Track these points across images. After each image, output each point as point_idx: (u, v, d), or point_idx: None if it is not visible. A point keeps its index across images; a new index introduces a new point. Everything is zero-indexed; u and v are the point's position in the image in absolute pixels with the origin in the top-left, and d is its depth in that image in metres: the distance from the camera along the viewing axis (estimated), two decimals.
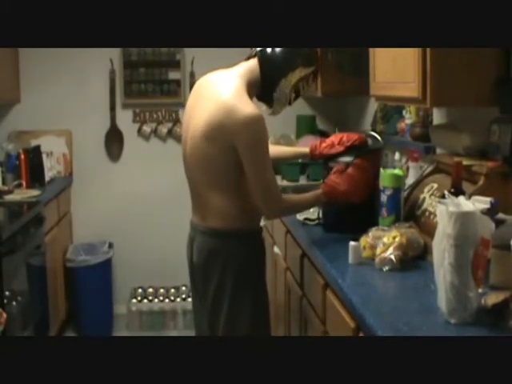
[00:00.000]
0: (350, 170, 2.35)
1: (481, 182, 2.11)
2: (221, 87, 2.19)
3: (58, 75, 4.54)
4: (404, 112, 3.17)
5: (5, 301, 2.89)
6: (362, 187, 2.35)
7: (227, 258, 2.26)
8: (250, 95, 2.21)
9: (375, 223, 2.34)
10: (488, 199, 1.85)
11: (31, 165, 4.08)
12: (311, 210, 2.62)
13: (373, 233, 2.20)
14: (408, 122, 3.09)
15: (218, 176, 2.21)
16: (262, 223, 2.48)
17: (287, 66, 2.24)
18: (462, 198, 1.63)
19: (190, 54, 4.53)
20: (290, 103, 2.35)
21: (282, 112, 2.44)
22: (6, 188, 3.88)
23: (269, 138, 2.21)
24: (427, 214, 2.30)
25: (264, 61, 2.24)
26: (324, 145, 2.54)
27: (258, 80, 2.25)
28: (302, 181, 3.94)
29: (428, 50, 2.08)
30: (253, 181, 2.16)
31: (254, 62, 2.27)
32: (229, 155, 2.15)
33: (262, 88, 2.26)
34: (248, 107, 2.11)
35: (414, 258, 2.10)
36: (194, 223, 2.36)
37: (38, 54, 4.39)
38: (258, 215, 2.34)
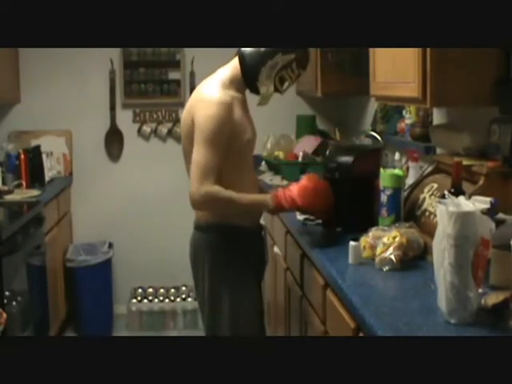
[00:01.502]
0: (303, 181, 2.29)
1: (481, 182, 2.11)
2: (204, 82, 2.30)
3: (58, 75, 4.54)
4: (404, 112, 3.17)
5: (5, 301, 2.89)
6: (316, 198, 2.25)
7: (205, 253, 2.28)
8: (233, 87, 2.25)
9: (375, 223, 2.35)
10: (488, 199, 1.85)
11: (31, 165, 4.08)
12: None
13: (373, 233, 2.20)
14: (408, 121, 3.10)
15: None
16: (261, 221, 2.46)
17: (264, 54, 2.25)
18: (462, 198, 1.63)
19: (190, 54, 4.53)
20: (279, 91, 2.33)
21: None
22: (5, 188, 3.88)
23: (227, 129, 2.16)
24: (427, 213, 2.30)
25: (242, 53, 2.27)
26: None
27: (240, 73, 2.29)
28: None
29: (428, 49, 2.09)
30: (192, 158, 2.16)
31: (236, 58, 2.31)
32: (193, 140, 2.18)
33: (244, 80, 2.29)
34: (213, 91, 2.20)
35: (414, 258, 2.10)
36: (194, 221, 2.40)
37: (38, 54, 4.39)
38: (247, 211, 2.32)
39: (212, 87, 2.22)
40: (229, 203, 2.18)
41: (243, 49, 2.27)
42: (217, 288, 2.27)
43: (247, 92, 2.36)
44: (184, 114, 2.29)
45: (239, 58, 2.28)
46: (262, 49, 2.24)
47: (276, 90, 2.31)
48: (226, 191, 2.15)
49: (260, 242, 2.42)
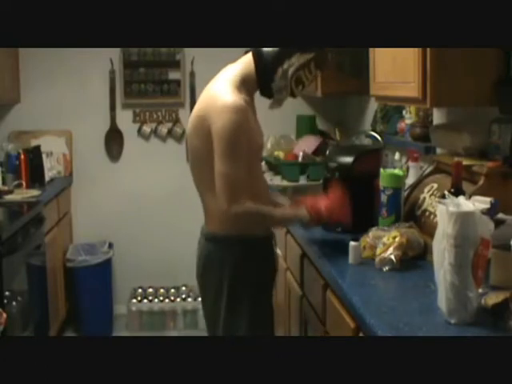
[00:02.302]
0: (329, 192, 2.29)
1: (481, 182, 2.11)
2: (213, 82, 2.21)
3: (58, 75, 4.54)
4: (404, 112, 3.17)
5: (5, 301, 2.89)
6: (344, 206, 2.23)
7: (223, 266, 2.19)
8: (244, 89, 2.16)
9: (375, 223, 2.34)
10: (488, 199, 1.85)
11: (31, 165, 4.08)
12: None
13: (373, 233, 2.20)
14: (408, 122, 3.09)
15: (207, 172, 2.13)
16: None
17: (282, 53, 2.15)
18: (461, 198, 1.63)
19: (190, 54, 4.53)
20: (293, 94, 2.24)
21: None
22: (5, 188, 3.88)
23: (246, 132, 2.10)
24: (427, 213, 2.30)
25: (258, 53, 2.18)
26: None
27: (253, 73, 2.19)
28: (302, 181, 3.94)
29: (428, 49, 2.09)
30: (216, 169, 2.08)
31: (249, 56, 2.21)
32: (210, 146, 2.09)
33: (259, 80, 2.19)
34: (229, 96, 2.10)
35: (414, 258, 2.10)
36: (201, 227, 2.33)
37: (38, 54, 4.39)
38: None
39: (225, 91, 2.12)
40: (263, 219, 2.18)
41: (260, 48, 2.17)
42: (236, 303, 2.20)
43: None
44: (195, 118, 2.18)
45: (254, 56, 2.18)
46: (278, 48, 2.15)
47: (292, 92, 2.21)
48: (258, 207, 2.13)
49: (273, 251, 2.35)
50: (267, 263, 2.30)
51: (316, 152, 3.96)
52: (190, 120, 2.25)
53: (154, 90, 4.57)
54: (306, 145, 4.05)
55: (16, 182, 3.97)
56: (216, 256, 2.22)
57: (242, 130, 2.08)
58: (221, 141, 2.06)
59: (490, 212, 1.73)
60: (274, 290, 2.44)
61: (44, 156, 4.21)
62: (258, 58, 2.18)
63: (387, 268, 2.03)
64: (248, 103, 2.15)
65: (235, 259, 2.19)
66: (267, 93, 2.23)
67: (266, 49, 2.17)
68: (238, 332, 2.20)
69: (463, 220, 1.54)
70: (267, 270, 2.30)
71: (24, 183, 4.01)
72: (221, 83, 2.17)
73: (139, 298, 4.53)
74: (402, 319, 1.61)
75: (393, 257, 2.03)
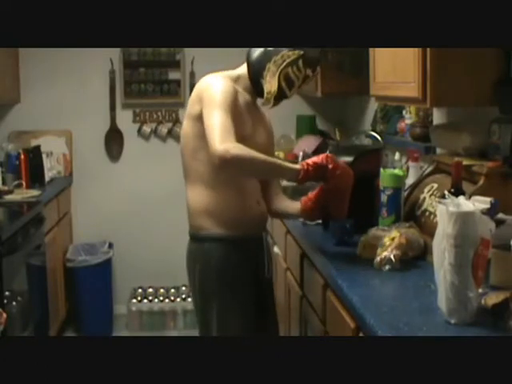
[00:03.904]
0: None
1: (481, 182, 2.11)
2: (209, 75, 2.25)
3: (58, 75, 4.54)
4: (404, 112, 3.17)
5: (5, 301, 2.89)
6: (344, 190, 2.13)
7: (195, 263, 2.21)
8: (240, 85, 2.20)
9: (375, 223, 2.34)
10: (488, 199, 1.85)
11: (31, 165, 4.08)
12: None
13: (373, 233, 2.20)
14: (408, 122, 3.10)
15: (189, 161, 2.16)
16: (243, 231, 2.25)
17: (269, 51, 2.15)
18: (461, 198, 1.63)
19: (190, 54, 4.53)
20: (285, 95, 2.20)
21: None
22: (5, 188, 3.88)
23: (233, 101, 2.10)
24: (427, 214, 2.30)
25: (249, 51, 2.20)
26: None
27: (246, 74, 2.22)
28: None
29: (428, 49, 2.09)
30: (204, 126, 2.05)
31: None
32: (196, 131, 2.12)
33: (249, 77, 2.20)
34: (218, 80, 2.13)
35: (414, 258, 2.10)
36: None
37: (38, 54, 4.39)
38: (237, 219, 2.20)
39: (216, 77, 2.17)
40: (254, 160, 2.01)
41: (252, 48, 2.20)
42: (205, 301, 2.20)
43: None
44: (188, 108, 2.20)
45: (247, 56, 2.21)
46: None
47: (281, 90, 2.17)
48: (249, 149, 2.00)
49: (258, 253, 2.29)
50: (245, 267, 2.23)
51: (316, 152, 3.95)
52: None
53: (153, 90, 4.57)
54: (306, 145, 4.05)
55: (16, 182, 3.97)
56: (192, 252, 2.24)
57: (230, 95, 2.09)
58: (207, 104, 2.07)
59: (490, 212, 1.73)
60: (275, 289, 2.44)
61: (44, 156, 4.21)
62: (250, 57, 2.20)
63: (387, 268, 2.02)
64: (240, 94, 2.17)
65: (204, 256, 2.19)
66: (258, 90, 2.22)
67: (258, 48, 2.18)
68: (210, 332, 2.20)
69: (463, 220, 1.54)
70: (237, 270, 2.21)
71: (24, 183, 4.00)
72: (213, 74, 2.20)
73: (139, 298, 4.53)
74: (401, 319, 1.61)
75: (392, 257, 2.03)
